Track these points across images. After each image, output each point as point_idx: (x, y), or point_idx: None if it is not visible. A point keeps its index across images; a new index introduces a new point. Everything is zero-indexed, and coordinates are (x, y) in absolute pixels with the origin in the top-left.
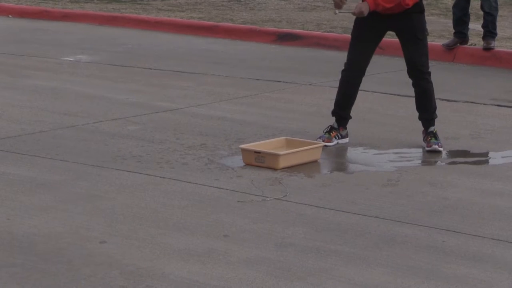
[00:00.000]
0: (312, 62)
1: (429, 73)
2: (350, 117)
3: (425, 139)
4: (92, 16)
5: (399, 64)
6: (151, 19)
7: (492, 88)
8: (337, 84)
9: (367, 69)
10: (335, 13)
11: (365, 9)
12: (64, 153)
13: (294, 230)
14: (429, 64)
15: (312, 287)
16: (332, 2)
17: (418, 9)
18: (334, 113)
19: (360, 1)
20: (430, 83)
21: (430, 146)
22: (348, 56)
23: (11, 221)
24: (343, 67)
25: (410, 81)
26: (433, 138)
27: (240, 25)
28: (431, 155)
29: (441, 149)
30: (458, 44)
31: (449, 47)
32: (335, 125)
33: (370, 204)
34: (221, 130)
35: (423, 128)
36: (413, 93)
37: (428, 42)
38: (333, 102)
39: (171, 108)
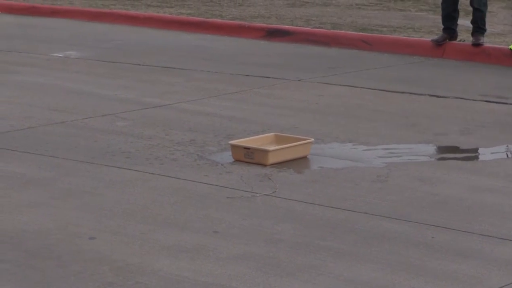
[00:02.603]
0: (301, 58)
1: None
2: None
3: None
4: (80, 12)
5: (388, 60)
6: (140, 15)
7: (481, 84)
8: (326, 80)
9: (355, 66)
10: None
11: None
12: (54, 149)
13: (283, 226)
14: (418, 60)
15: (301, 283)
16: None
17: None
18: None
19: None
20: None
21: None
22: None
23: (0, 217)
24: None
25: (399, 77)
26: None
27: (229, 21)
28: (420, 150)
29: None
30: (447, 40)
31: (438, 43)
32: None
33: (359, 200)
34: (210, 126)
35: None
36: (401, 89)
37: (417, 38)
38: (322, 97)
39: (160, 104)
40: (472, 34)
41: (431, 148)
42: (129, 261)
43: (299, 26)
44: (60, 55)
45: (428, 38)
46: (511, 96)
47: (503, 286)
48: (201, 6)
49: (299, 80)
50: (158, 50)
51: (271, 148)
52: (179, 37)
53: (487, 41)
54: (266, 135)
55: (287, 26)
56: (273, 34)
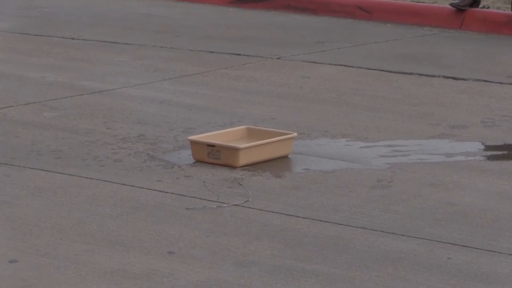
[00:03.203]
0: (281, 29)
1: None
2: None
3: None
4: None
5: (392, 31)
6: None
7: (509, 63)
8: (313, 57)
9: (349, 40)
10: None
11: None
12: None
13: (258, 245)
14: (430, 32)
15: None
16: None
17: None
18: None
19: None
20: None
21: None
22: None
23: None
24: None
25: (406, 53)
26: None
27: None
28: (432, 147)
29: None
30: (468, 7)
31: (460, 7)
32: None
33: (355, 212)
34: (165, 117)
35: None
36: (409, 69)
37: (428, 5)
38: (307, 80)
39: (100, 89)
40: None
41: (446, 145)
42: None
43: None
44: None
45: (443, 4)
46: None
47: None
48: None
49: (278, 58)
50: (98, 20)
51: (242, 145)
52: (124, 3)
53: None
54: (235, 128)
55: None
56: None
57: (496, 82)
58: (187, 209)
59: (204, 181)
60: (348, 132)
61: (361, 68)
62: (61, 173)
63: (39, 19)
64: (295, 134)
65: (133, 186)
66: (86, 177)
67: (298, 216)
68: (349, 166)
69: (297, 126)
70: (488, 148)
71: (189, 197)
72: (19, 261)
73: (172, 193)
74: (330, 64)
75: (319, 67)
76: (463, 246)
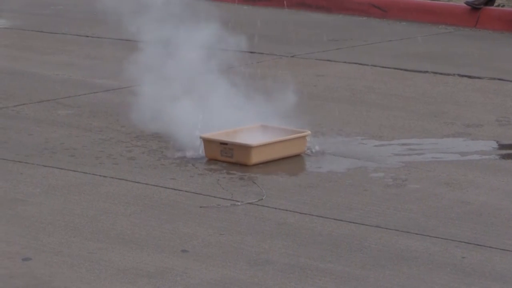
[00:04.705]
0: (295, 27)
1: None
2: None
3: None
4: None
5: (406, 30)
6: None
7: None
8: (327, 56)
9: (364, 38)
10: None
11: None
12: None
13: (272, 243)
14: (445, 30)
15: None
16: None
17: None
18: None
19: None
20: None
21: None
22: None
23: None
24: None
25: (420, 52)
26: None
27: None
28: (447, 146)
29: None
30: (483, 6)
31: (475, 6)
32: None
33: (369, 210)
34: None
35: None
36: (423, 67)
37: (444, 3)
38: (321, 78)
39: (113, 87)
40: None
41: (461, 144)
42: None
43: None
44: None
45: (458, 2)
46: None
47: None
48: None
49: (292, 56)
50: (111, 18)
51: (255, 143)
52: (138, 0)
53: None
54: (249, 126)
55: None
56: None
57: (511, 81)
58: (201, 207)
59: (218, 179)
60: (362, 131)
61: (375, 66)
62: (74, 171)
63: (53, 17)
64: (309, 132)
65: (147, 184)
66: (100, 175)
67: (312, 215)
68: (363, 165)
69: (311, 124)
70: (503, 147)
71: (203, 195)
72: (33, 259)
73: (186, 191)
74: (345, 62)
75: (333, 65)
76: (477, 245)
